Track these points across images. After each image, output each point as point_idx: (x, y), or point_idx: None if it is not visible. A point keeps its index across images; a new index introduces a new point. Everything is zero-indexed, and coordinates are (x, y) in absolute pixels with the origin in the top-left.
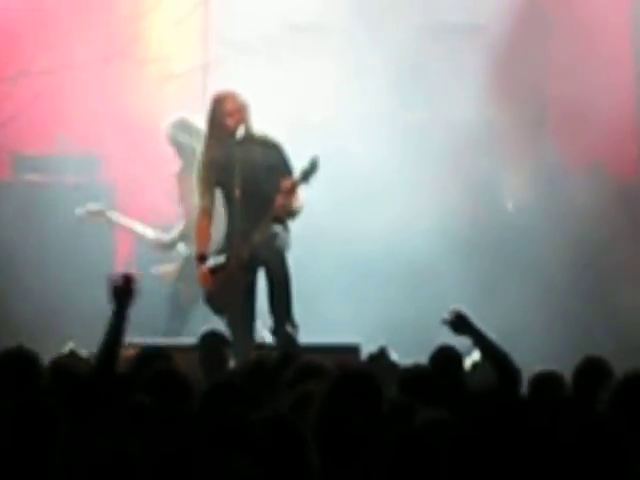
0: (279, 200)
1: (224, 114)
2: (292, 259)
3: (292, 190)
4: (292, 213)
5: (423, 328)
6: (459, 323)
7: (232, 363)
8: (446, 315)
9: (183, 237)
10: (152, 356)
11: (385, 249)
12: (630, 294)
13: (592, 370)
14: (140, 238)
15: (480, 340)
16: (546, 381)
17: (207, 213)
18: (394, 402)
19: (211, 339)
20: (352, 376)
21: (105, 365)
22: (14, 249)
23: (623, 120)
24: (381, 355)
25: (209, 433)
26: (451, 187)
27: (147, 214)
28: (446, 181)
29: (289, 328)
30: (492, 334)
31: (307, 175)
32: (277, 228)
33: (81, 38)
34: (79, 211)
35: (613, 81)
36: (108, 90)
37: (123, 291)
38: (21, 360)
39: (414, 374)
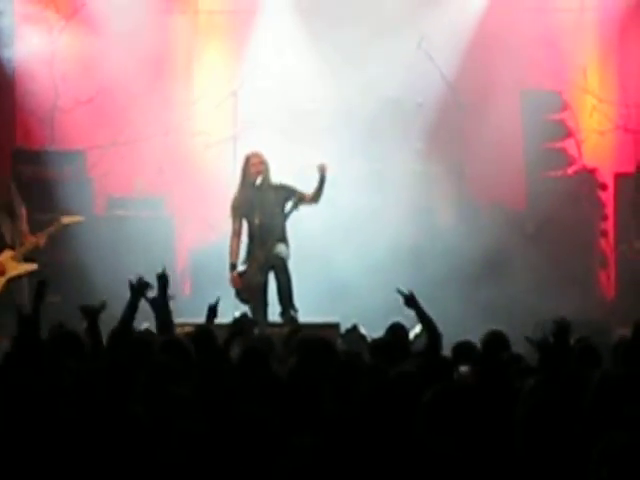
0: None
1: (249, 165)
2: (292, 265)
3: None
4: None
5: (385, 310)
6: (409, 299)
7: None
8: (403, 290)
9: None
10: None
11: (357, 256)
12: (518, 283)
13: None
14: None
15: (420, 313)
16: (465, 347)
17: (237, 234)
18: (370, 364)
19: (243, 320)
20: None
21: (124, 328)
22: (111, 258)
23: (515, 173)
24: (353, 330)
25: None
26: (402, 214)
27: (195, 237)
28: (398, 210)
29: (292, 312)
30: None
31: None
32: (281, 246)
33: (150, 117)
34: None
35: (509, 146)
36: (168, 153)
37: (137, 290)
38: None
39: (378, 342)
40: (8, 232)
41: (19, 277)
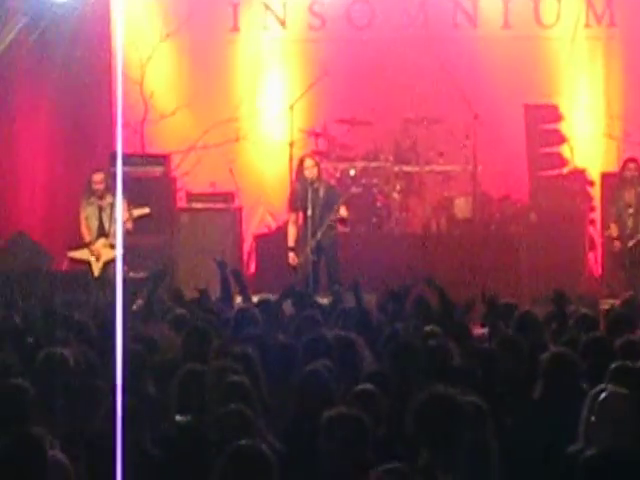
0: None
1: (303, 167)
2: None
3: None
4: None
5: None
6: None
7: None
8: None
9: None
10: None
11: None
12: (522, 263)
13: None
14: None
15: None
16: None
17: (294, 223)
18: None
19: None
20: None
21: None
22: (191, 242)
23: (520, 172)
24: None
25: None
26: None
27: (259, 225)
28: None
29: (337, 285)
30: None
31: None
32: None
33: (222, 127)
34: None
35: (514, 149)
36: (237, 156)
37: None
38: None
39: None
40: (93, 225)
41: (112, 261)
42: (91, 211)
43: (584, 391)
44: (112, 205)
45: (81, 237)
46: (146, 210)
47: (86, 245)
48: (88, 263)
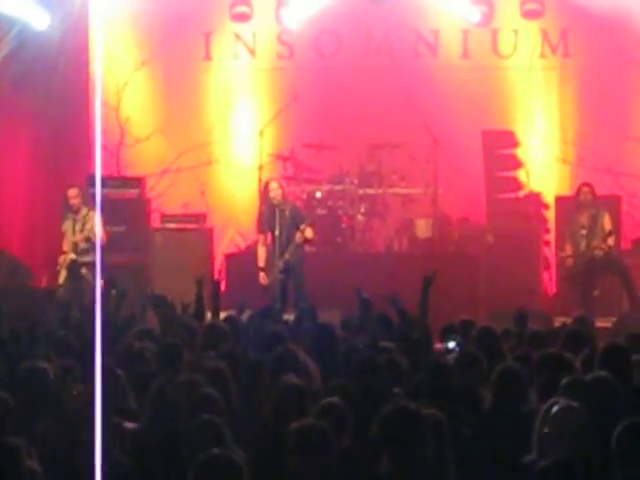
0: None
1: (269, 190)
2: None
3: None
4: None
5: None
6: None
7: None
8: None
9: None
10: None
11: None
12: (480, 281)
13: None
14: None
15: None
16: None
17: (263, 243)
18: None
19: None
20: None
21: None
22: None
23: (478, 195)
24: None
25: None
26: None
27: (229, 245)
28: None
29: (304, 303)
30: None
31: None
32: (297, 252)
33: (194, 151)
34: None
35: (473, 174)
36: (209, 179)
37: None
38: None
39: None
40: (69, 238)
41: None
42: (68, 225)
43: (532, 403)
44: (84, 218)
45: (62, 252)
46: None
47: None
48: None
